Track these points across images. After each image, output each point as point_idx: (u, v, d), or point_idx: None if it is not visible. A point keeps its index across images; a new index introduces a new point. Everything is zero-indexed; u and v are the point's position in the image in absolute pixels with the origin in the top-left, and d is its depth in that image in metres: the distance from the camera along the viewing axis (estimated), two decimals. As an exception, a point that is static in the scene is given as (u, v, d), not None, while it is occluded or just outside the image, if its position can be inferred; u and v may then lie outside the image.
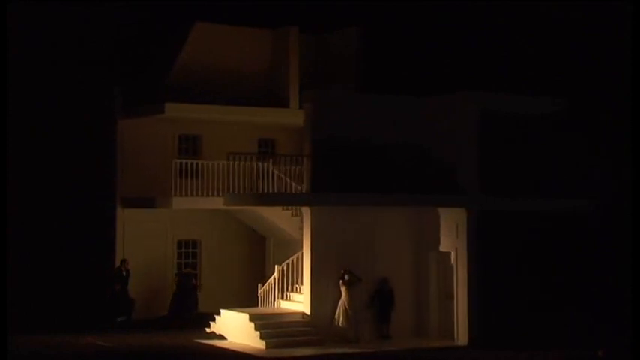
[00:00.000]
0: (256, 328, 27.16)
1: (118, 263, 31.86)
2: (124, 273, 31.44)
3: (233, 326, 28.25)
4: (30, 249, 31.80)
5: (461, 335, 27.92)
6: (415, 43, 35.77)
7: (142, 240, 32.70)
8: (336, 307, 27.64)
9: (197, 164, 31.30)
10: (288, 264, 29.13)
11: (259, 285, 30.15)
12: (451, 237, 28.43)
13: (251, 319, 27.50)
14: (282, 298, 29.17)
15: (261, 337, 26.86)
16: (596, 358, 25.53)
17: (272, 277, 29.56)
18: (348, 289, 27.63)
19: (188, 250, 33.88)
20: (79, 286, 31.87)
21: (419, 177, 28.79)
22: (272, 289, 29.50)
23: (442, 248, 28.69)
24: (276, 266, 29.61)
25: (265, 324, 27.40)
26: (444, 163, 28.78)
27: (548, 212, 29.19)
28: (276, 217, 31.57)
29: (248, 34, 35.03)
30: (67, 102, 32.62)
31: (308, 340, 27.09)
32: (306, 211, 28.10)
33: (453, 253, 28.31)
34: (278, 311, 28.69)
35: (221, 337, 28.53)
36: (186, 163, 31.12)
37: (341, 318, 27.59)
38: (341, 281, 27.64)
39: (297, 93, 33.99)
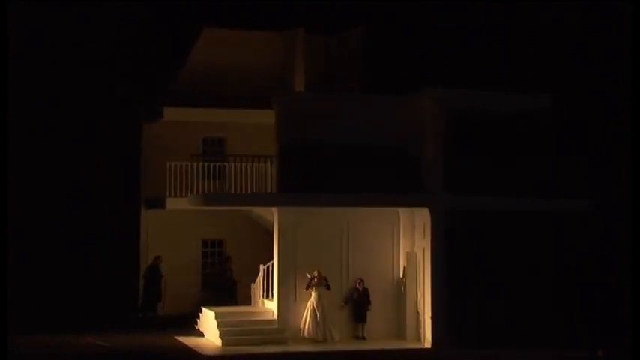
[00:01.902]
0: (218, 326, 27.46)
1: (138, 262, 32.27)
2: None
3: (207, 324, 28.59)
4: (32, 249, 31.73)
5: (427, 337, 27.77)
6: (417, 42, 35.76)
7: (166, 240, 33.01)
8: (305, 307, 27.70)
9: (195, 165, 31.39)
10: (273, 263, 29.09)
11: (252, 284, 30.24)
12: (413, 237, 28.36)
13: (216, 317, 27.75)
14: (266, 297, 29.24)
15: (220, 335, 27.15)
16: (596, 358, 25.57)
17: (258, 277, 29.64)
18: (317, 290, 27.64)
19: (214, 249, 34.09)
20: (105, 286, 31.91)
21: (388, 176, 28.47)
22: (258, 288, 29.65)
23: (403, 249, 28.68)
24: (260, 266, 29.65)
25: (227, 322, 27.68)
26: (412, 163, 28.58)
27: (523, 212, 28.83)
28: (272, 217, 31.56)
29: (256, 37, 35.07)
30: (72, 103, 32.50)
31: (271, 339, 27.22)
32: (274, 212, 28.15)
33: (417, 254, 28.24)
34: (250, 310, 28.98)
35: (202, 334, 28.79)
36: (186, 165, 31.27)
37: (308, 319, 27.61)
38: (309, 283, 27.64)
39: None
